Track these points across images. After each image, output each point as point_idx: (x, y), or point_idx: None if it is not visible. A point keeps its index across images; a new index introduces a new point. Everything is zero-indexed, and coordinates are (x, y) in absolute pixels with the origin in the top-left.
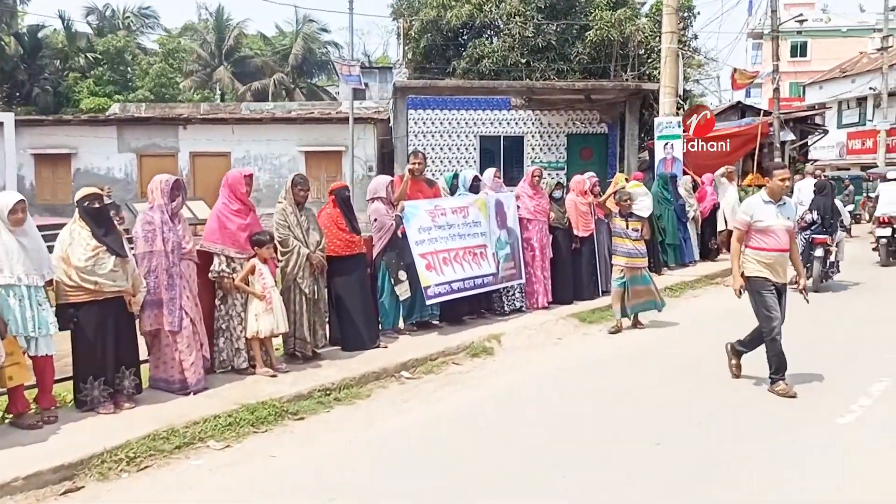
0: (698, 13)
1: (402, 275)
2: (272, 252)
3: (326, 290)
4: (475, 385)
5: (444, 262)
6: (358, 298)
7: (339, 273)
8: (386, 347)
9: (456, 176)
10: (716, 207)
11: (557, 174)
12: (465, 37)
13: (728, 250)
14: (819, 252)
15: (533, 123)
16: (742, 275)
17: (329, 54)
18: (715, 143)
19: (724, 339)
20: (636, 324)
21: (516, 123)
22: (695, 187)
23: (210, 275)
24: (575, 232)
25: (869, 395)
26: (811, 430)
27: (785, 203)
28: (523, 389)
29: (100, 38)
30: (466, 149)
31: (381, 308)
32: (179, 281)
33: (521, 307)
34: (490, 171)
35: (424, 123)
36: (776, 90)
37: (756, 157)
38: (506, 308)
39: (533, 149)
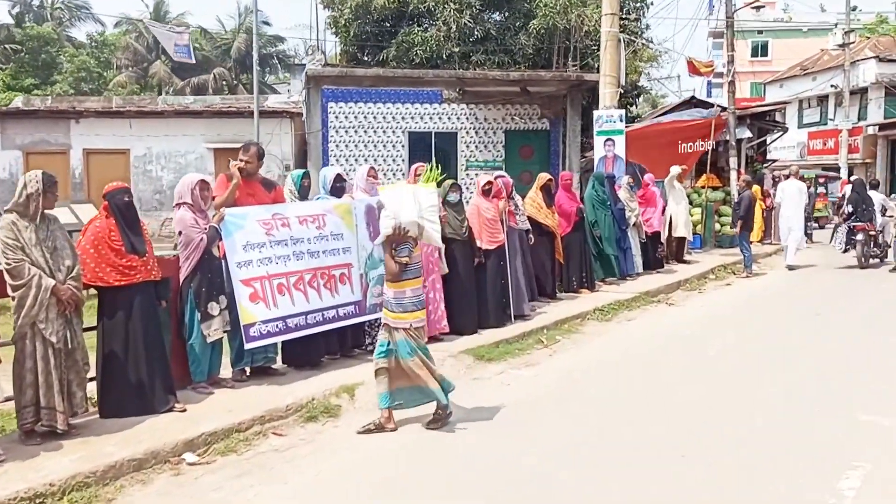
0: (651, 3)
1: (214, 308)
2: None
3: (99, 333)
4: (283, 474)
5: (280, 289)
6: (140, 344)
7: (111, 310)
8: (184, 411)
9: (307, 175)
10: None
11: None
12: (399, 25)
13: (676, 260)
14: (860, 237)
15: (467, 118)
16: None
17: (279, 50)
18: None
19: (655, 382)
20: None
21: (449, 118)
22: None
23: None
24: (478, 243)
25: (838, 496)
26: None
27: None
28: (349, 482)
29: (20, 28)
30: (394, 146)
31: (191, 353)
32: None
33: None
34: (363, 169)
35: (346, 118)
36: (731, 83)
37: (710, 157)
38: None
39: (468, 146)
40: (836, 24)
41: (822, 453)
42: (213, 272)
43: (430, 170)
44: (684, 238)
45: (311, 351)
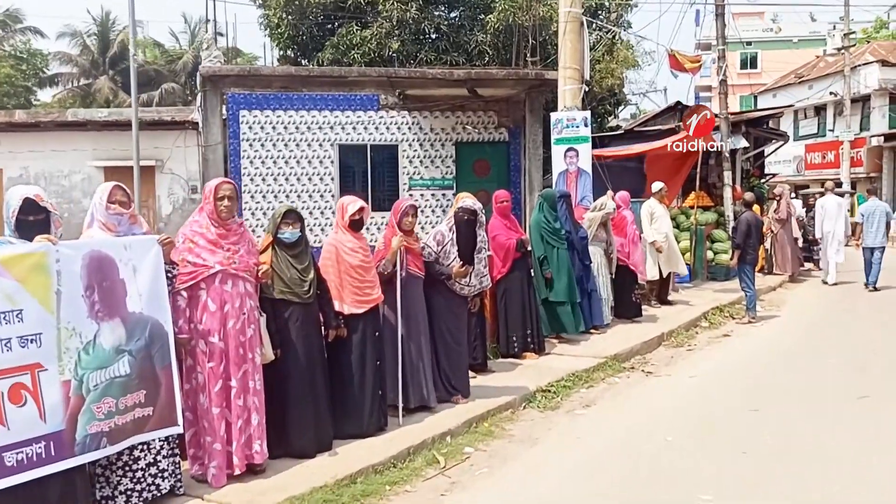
0: (635, 5)
1: None
2: None
3: None
4: None
5: None
6: None
7: None
8: None
9: None
10: None
11: (444, 194)
12: (337, 23)
13: (659, 301)
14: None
15: (410, 128)
16: None
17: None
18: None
19: None
20: None
21: (388, 128)
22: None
23: None
24: (336, 306)
25: None
26: None
27: None
28: None
29: None
30: (321, 161)
31: None
32: None
33: (176, 485)
34: (103, 189)
35: (262, 128)
36: (723, 82)
37: (700, 171)
38: (122, 497)
39: (411, 161)
40: (833, 26)
41: None
42: None
43: None
44: (669, 273)
45: None
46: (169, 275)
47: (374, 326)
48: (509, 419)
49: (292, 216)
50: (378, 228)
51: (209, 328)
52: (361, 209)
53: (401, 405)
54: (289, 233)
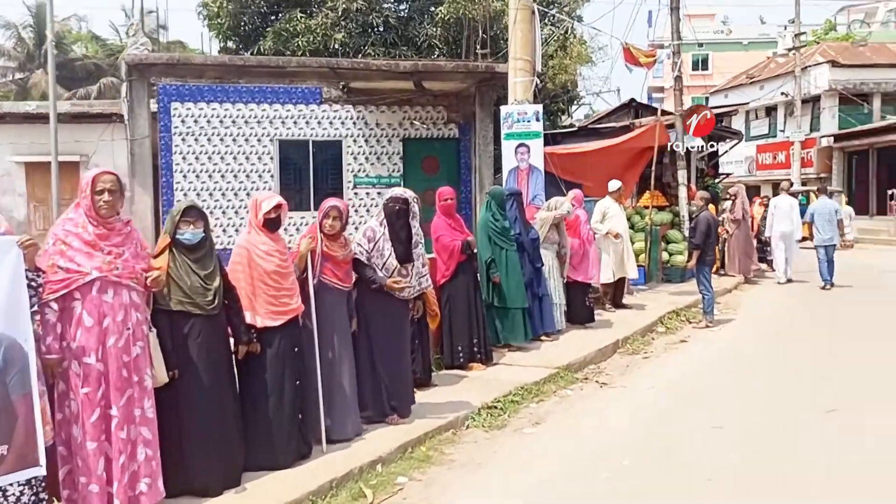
0: (587, 1)
1: None
2: None
3: None
4: None
5: None
6: None
7: None
8: None
9: None
10: None
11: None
12: (280, 14)
13: (614, 306)
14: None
15: (355, 123)
16: None
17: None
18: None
19: None
20: None
21: (331, 123)
22: None
23: None
24: (248, 318)
25: None
26: None
27: None
28: None
29: None
30: (260, 158)
31: None
32: None
33: None
34: None
35: (196, 122)
36: (678, 78)
37: (654, 171)
38: None
39: (355, 158)
40: (784, 27)
41: None
42: None
43: None
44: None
45: None
46: (33, 283)
47: (293, 341)
48: (450, 441)
49: (193, 213)
50: None
51: (84, 346)
52: (278, 206)
53: (324, 430)
54: (189, 233)
